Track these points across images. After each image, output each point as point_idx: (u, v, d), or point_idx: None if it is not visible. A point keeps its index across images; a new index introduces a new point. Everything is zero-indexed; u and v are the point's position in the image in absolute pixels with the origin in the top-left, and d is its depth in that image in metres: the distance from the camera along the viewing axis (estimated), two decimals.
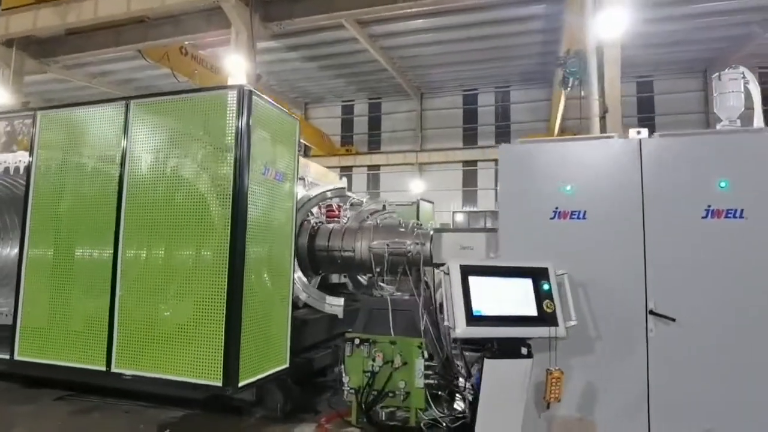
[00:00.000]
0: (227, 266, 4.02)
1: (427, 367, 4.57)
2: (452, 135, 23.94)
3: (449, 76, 22.00)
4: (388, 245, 5.99)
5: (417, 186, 22.63)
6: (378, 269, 6.13)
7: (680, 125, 19.51)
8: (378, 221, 6.63)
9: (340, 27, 17.53)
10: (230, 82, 12.71)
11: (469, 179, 23.44)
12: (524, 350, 3.46)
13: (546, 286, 3.54)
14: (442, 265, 5.93)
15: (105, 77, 22.75)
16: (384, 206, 8.81)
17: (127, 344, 4.34)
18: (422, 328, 4.94)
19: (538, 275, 3.58)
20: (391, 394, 4.61)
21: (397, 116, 24.75)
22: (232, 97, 4.23)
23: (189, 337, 4.09)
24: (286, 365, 4.63)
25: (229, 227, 4.08)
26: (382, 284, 6.05)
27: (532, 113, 22.31)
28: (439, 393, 4.86)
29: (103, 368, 4.38)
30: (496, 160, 23.98)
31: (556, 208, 3.97)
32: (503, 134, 22.70)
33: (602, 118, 10.18)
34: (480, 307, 3.40)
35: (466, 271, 3.51)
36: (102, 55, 17.31)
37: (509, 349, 3.46)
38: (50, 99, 24.50)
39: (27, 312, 4.80)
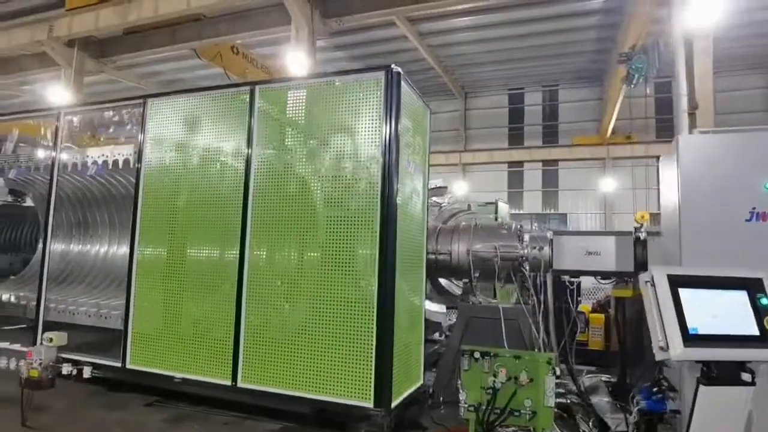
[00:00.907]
0: (377, 271, 3.53)
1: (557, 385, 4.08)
2: (497, 135, 23.25)
3: (495, 74, 21.36)
4: (496, 248, 5.49)
5: (460, 187, 22.02)
6: (476, 274, 5.64)
7: (743, 123, 18.47)
8: (476, 222, 6.12)
9: (388, 25, 17.06)
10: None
11: (515, 180, 22.74)
12: (746, 376, 2.90)
13: (764, 300, 2.98)
14: (564, 271, 5.46)
15: (153, 78, 22.73)
16: (469, 206, 8.24)
17: (255, 358, 3.90)
18: (540, 340, 4.51)
19: (753, 287, 3.02)
20: (516, 413, 4.11)
21: (440, 116, 24.17)
22: (378, 80, 3.74)
23: (335, 353, 3.61)
24: (422, 382, 4.13)
25: (379, 228, 3.59)
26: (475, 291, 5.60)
27: (581, 113, 21.51)
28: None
29: (229, 382, 3.94)
30: (543, 161, 23.26)
31: (754, 208, 3.39)
32: (551, 134, 21.97)
33: (691, 114, 9.44)
34: (695, 324, 2.86)
35: (676, 282, 2.97)
36: (153, 55, 17.21)
37: (728, 374, 2.90)
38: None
39: (139, 317, 4.41)
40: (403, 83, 3.80)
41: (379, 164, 3.66)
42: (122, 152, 4.98)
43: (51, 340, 4.61)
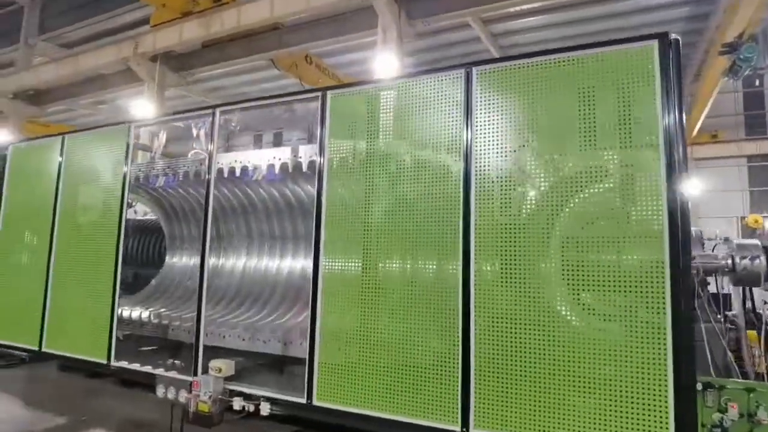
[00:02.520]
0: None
1: None
2: None
3: None
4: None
5: None
6: None
7: None
8: None
9: (460, 27, 16.19)
10: None
11: None
12: None
13: None
14: None
15: (217, 92, 22.67)
16: None
17: (493, 397, 3.04)
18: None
19: None
20: None
21: None
22: (651, 52, 2.85)
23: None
24: None
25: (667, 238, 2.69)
26: None
27: None
28: None
29: (457, 429, 3.09)
30: None
31: None
32: None
33: None
34: None
35: None
36: (228, 68, 16.92)
37: None
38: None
39: (327, 344, 3.62)
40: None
41: (658, 159, 2.78)
42: (293, 155, 4.29)
43: (220, 370, 3.89)
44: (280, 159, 4.29)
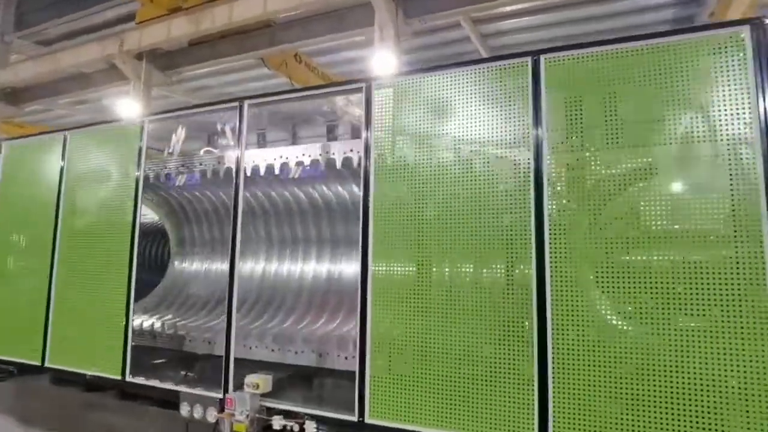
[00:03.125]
0: None
1: None
2: None
3: None
4: None
5: None
6: None
7: None
8: None
9: (451, 27, 15.98)
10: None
11: None
12: None
13: None
14: None
15: (201, 92, 21.99)
16: None
17: (576, 415, 2.75)
18: None
19: None
20: None
21: None
22: (741, 37, 2.61)
23: None
24: None
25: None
26: None
27: None
28: None
29: None
30: None
31: None
32: None
33: None
34: None
35: None
36: (214, 66, 16.33)
37: None
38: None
39: (379, 354, 3.28)
40: None
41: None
42: (324, 152, 3.94)
43: (257, 386, 3.51)
44: (310, 156, 3.93)
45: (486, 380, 2.99)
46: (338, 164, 3.97)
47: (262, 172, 4.18)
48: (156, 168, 4.48)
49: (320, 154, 4.04)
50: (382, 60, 11.40)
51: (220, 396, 3.73)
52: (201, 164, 4.56)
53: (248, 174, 4.20)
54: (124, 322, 4.25)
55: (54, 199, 4.89)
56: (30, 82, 16.50)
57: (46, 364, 4.72)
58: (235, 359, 4.06)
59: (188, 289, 5.29)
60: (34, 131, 23.36)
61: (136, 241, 4.29)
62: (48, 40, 17.35)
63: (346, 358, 3.90)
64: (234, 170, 3.97)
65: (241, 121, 3.95)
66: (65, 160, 4.91)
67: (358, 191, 3.73)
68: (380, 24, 11.80)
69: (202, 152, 4.76)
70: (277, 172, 4.05)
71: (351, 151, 3.89)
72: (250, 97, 4.01)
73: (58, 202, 4.87)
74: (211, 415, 3.68)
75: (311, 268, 4.65)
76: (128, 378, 4.20)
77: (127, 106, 14.63)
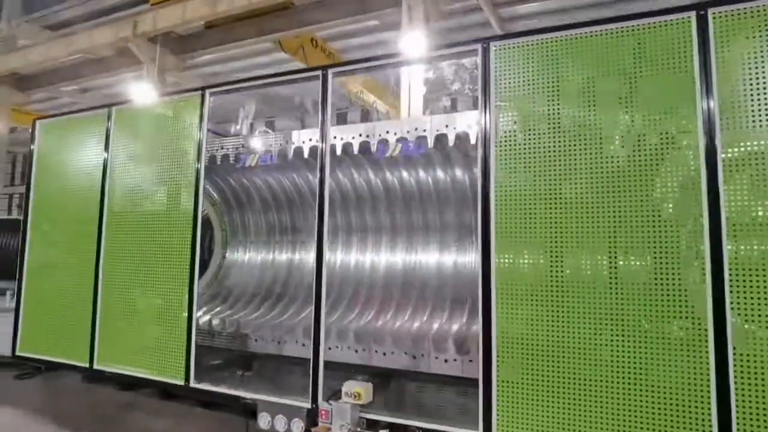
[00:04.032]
0: None
1: None
2: None
3: None
4: None
5: None
6: None
7: None
8: None
9: (468, 11, 15.33)
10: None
11: None
12: None
13: None
14: None
15: (212, 79, 21.32)
16: None
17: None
18: None
19: None
20: None
21: None
22: None
23: None
24: None
25: None
26: None
27: None
28: None
29: None
30: None
31: None
32: None
33: None
34: None
35: None
36: (230, 51, 15.69)
37: None
38: None
39: (508, 360, 2.76)
40: None
41: None
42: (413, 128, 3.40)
43: (358, 395, 3.00)
44: (408, 131, 3.38)
45: (644, 388, 2.48)
46: (430, 142, 3.43)
47: (338, 151, 3.64)
48: (212, 149, 3.93)
49: (407, 131, 3.49)
50: (412, 41, 10.82)
51: (308, 405, 3.22)
52: (266, 144, 4.01)
53: (337, 153, 3.64)
54: (185, 320, 3.72)
55: (98, 184, 4.34)
56: (39, 68, 15.80)
57: (95, 366, 4.19)
58: (307, 360, 3.55)
59: (242, 283, 4.76)
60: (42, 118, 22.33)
61: (198, 227, 3.74)
62: (54, 25, 16.64)
63: (446, 360, 3.39)
64: (320, 148, 3.37)
65: (324, 93, 3.38)
66: (110, 140, 4.34)
67: (458, 173, 3.19)
68: (409, 3, 11.17)
69: (258, 132, 4.22)
70: (374, 149, 3.50)
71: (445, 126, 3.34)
72: (335, 66, 3.44)
73: (103, 187, 4.31)
74: (298, 428, 3.17)
75: (399, 258, 4.11)
76: (193, 384, 3.68)
77: (141, 91, 13.99)
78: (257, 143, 4.03)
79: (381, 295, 4.02)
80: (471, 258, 3.69)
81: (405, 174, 3.95)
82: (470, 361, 3.29)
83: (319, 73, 3.42)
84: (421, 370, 3.44)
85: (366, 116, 16.41)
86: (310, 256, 4.64)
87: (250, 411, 4.15)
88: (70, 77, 17.10)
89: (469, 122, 3.26)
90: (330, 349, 3.68)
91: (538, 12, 16.03)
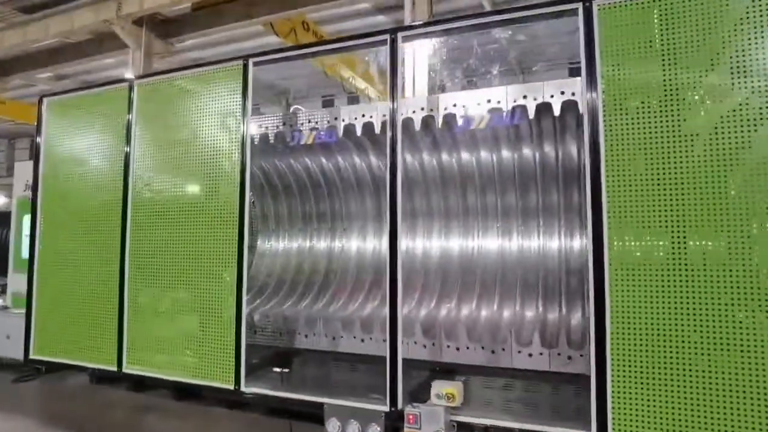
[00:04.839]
0: None
1: None
2: None
3: None
4: None
5: None
6: None
7: None
8: None
9: None
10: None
11: None
12: None
13: None
14: None
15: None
16: None
17: None
18: None
19: None
20: None
21: None
22: None
23: None
24: None
25: None
26: None
27: None
28: None
29: None
30: None
31: None
32: None
33: None
34: None
35: None
36: (217, 34, 14.95)
37: None
38: None
39: (624, 353, 2.44)
40: None
41: None
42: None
43: (452, 396, 2.64)
44: (499, 102, 2.99)
45: None
46: (557, 110, 3.03)
47: (417, 125, 3.24)
48: (271, 123, 3.47)
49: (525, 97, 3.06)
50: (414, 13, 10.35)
51: (385, 409, 2.85)
52: (310, 121, 3.57)
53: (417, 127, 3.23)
54: (233, 317, 3.28)
55: (119, 169, 3.81)
56: (15, 52, 14.79)
57: (125, 370, 3.72)
58: (374, 356, 3.19)
59: (279, 273, 4.33)
60: (19, 107, 21.21)
61: (246, 213, 3.28)
62: (29, 7, 15.57)
63: (530, 354, 3.06)
64: (388, 122, 2.94)
65: (394, 59, 2.96)
66: (132, 119, 3.82)
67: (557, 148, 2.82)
68: None
69: (292, 110, 3.77)
70: (460, 123, 3.10)
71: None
72: (405, 28, 3.01)
73: (126, 172, 3.79)
74: None
75: (462, 244, 3.72)
76: (244, 388, 3.26)
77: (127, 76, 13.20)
78: (302, 120, 3.57)
79: (448, 284, 3.65)
80: (558, 243, 3.35)
81: (484, 153, 3.56)
82: (558, 354, 2.99)
83: (386, 37, 3.00)
84: (501, 365, 3.11)
85: (354, 101, 15.90)
86: (353, 244, 4.26)
87: (292, 413, 3.78)
88: (49, 63, 16.12)
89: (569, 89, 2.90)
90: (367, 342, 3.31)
91: None
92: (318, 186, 4.22)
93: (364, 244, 4.08)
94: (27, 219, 6.67)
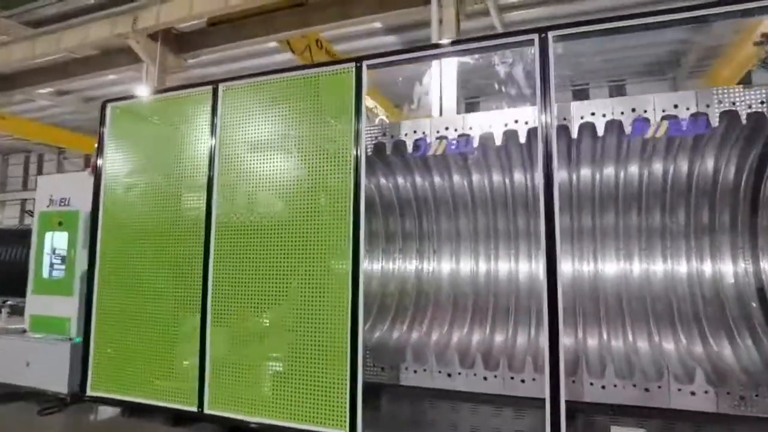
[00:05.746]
0: None
1: None
2: None
3: None
4: None
5: None
6: None
7: None
8: None
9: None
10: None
11: None
12: None
13: None
14: None
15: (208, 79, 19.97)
16: None
17: None
18: None
19: None
20: None
21: None
22: None
23: None
24: None
25: None
26: None
27: None
28: None
29: None
30: None
31: None
32: None
33: None
34: None
35: None
36: (231, 50, 14.58)
37: None
38: None
39: None
40: None
41: None
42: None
43: None
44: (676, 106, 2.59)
45: None
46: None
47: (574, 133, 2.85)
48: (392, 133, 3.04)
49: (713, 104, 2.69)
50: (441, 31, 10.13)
51: None
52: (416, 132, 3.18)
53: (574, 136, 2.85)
54: (348, 353, 2.80)
55: (204, 182, 3.35)
56: (23, 66, 14.25)
57: (206, 411, 3.19)
58: (504, 396, 2.76)
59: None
60: (19, 123, 20.48)
61: (362, 229, 2.83)
62: (35, 21, 15.14)
63: (692, 393, 2.66)
64: (540, 132, 2.52)
65: (544, 60, 2.59)
66: (216, 125, 3.36)
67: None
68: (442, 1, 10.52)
69: (376, 120, 3.38)
70: (627, 129, 2.71)
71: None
72: (557, 27, 2.63)
73: (210, 186, 3.33)
74: None
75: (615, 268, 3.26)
76: None
77: (139, 91, 12.74)
78: (425, 127, 3.13)
79: (588, 312, 3.23)
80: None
81: (657, 165, 3.16)
82: (728, 393, 2.59)
83: (533, 37, 2.64)
84: (656, 405, 2.69)
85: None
86: (443, 266, 3.85)
87: None
88: (52, 78, 15.61)
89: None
90: (523, 381, 2.88)
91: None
92: (404, 203, 3.79)
93: (457, 265, 3.67)
94: (49, 236, 6.19)
